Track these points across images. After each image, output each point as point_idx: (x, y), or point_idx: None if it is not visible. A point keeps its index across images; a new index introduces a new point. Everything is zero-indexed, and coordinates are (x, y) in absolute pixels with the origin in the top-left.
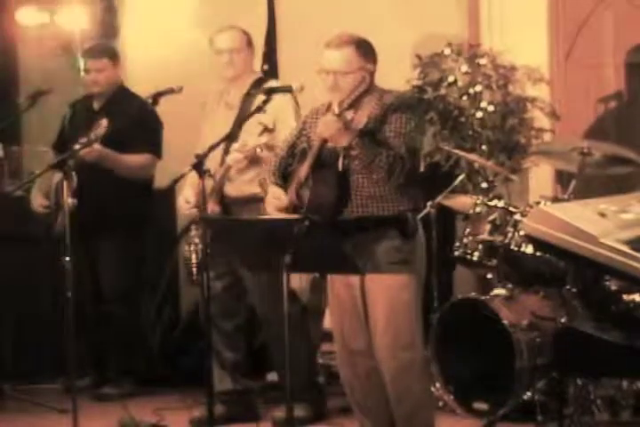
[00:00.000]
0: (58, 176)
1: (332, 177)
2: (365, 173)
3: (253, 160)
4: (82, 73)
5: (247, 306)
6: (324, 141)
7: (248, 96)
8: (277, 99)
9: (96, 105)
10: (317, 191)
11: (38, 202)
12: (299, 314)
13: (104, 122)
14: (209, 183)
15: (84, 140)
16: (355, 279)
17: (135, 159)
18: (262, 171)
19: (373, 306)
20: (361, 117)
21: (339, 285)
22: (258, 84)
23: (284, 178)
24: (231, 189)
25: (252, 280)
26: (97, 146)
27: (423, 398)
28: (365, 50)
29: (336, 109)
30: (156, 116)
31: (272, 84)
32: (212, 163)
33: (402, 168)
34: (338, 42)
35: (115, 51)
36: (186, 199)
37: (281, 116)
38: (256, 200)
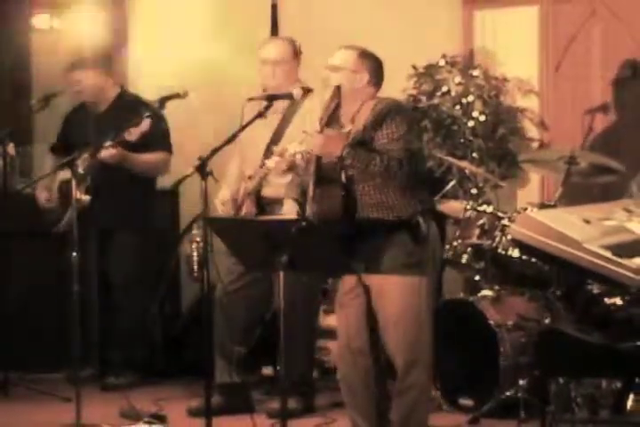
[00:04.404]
0: (63, 174)
1: (336, 190)
2: (368, 180)
3: (292, 166)
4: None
5: (269, 302)
6: (319, 158)
7: (292, 105)
8: (318, 105)
9: (101, 107)
10: (324, 205)
11: (43, 196)
12: (315, 313)
13: (146, 122)
14: (247, 185)
15: (115, 139)
16: (366, 281)
17: (151, 158)
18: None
19: (385, 307)
20: (357, 127)
21: (349, 286)
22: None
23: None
24: (268, 191)
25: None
26: (119, 149)
27: (423, 395)
28: (367, 60)
29: (318, 126)
30: (162, 115)
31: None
32: (251, 166)
33: (399, 170)
34: (346, 45)
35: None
36: (222, 201)
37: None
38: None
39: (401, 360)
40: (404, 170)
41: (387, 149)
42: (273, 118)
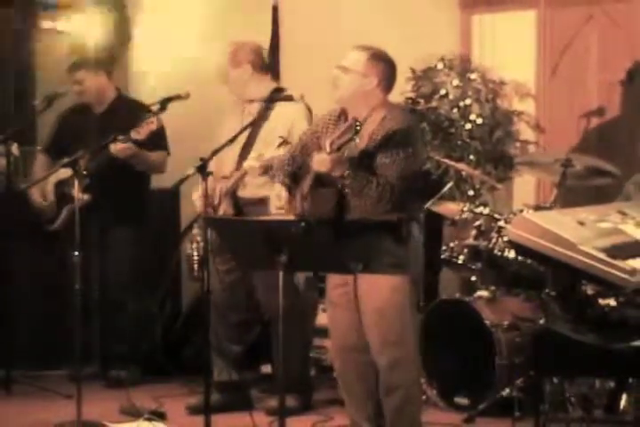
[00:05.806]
0: (63, 172)
1: (331, 195)
2: (363, 198)
3: (267, 170)
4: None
5: (255, 301)
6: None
7: (265, 108)
8: (291, 109)
9: (97, 109)
10: (318, 206)
11: (38, 195)
12: (301, 311)
13: (153, 120)
14: (223, 186)
15: (124, 136)
16: (351, 279)
17: (157, 157)
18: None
19: (367, 305)
20: (363, 137)
21: (335, 283)
22: (275, 93)
23: (294, 176)
24: (244, 192)
25: (258, 277)
26: (130, 144)
27: (411, 393)
28: (378, 64)
29: (328, 148)
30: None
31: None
32: (227, 167)
33: (391, 195)
34: (360, 45)
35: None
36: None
37: (296, 126)
38: (266, 202)
39: (383, 360)
40: (395, 195)
41: (385, 173)
42: (248, 121)
